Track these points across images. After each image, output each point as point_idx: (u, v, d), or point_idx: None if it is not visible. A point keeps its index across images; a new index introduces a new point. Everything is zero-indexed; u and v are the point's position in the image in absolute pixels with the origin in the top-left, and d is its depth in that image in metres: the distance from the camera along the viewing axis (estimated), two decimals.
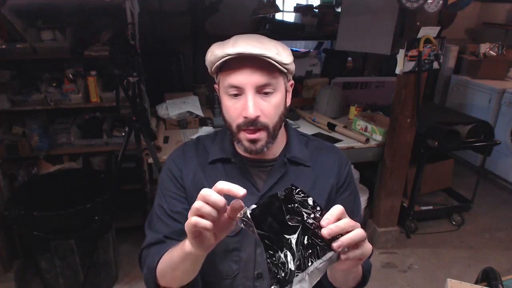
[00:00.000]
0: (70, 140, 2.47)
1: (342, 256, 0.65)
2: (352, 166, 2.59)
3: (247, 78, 0.83)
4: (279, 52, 0.84)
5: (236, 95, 0.86)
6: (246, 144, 0.89)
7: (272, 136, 0.90)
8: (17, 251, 2.25)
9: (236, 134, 0.89)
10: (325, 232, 0.63)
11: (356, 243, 0.65)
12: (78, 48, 2.38)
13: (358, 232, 0.65)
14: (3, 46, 2.24)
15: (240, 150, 0.96)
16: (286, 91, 0.93)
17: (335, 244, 0.64)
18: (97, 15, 2.59)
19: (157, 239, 0.94)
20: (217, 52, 0.83)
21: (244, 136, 0.88)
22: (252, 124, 0.85)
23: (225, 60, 0.83)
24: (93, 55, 2.34)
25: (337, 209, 0.66)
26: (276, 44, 0.86)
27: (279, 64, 0.83)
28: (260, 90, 0.85)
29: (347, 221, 0.65)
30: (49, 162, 2.46)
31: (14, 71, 2.44)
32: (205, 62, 0.89)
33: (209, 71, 0.91)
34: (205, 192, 0.66)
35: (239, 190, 0.64)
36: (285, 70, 0.87)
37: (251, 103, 0.83)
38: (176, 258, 0.80)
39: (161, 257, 0.87)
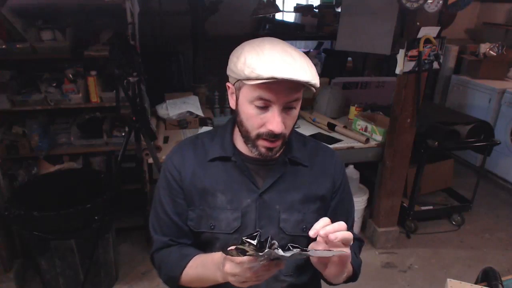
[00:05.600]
0: (70, 140, 2.48)
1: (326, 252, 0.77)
2: (352, 166, 2.62)
3: (278, 96, 0.83)
4: (313, 76, 0.82)
5: (262, 107, 0.85)
6: (263, 150, 0.89)
7: (285, 143, 0.92)
8: (17, 251, 2.25)
9: (254, 140, 0.89)
10: (311, 232, 0.76)
11: (342, 241, 0.75)
12: (78, 48, 2.39)
13: (345, 233, 0.75)
14: (3, 46, 2.24)
15: (249, 152, 0.95)
16: None
17: (311, 232, 0.76)
18: (97, 15, 2.59)
19: (165, 243, 0.98)
20: (259, 71, 0.78)
21: (262, 143, 0.89)
22: (275, 136, 0.87)
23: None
24: (93, 55, 2.34)
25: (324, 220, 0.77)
26: (307, 62, 0.83)
27: (313, 87, 0.82)
28: (286, 105, 0.85)
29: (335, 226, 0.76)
30: (49, 162, 2.46)
31: (14, 71, 2.44)
32: (231, 67, 0.86)
33: (231, 74, 0.87)
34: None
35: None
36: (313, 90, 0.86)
37: (279, 119, 0.84)
38: (206, 280, 0.89)
39: (183, 268, 0.93)
